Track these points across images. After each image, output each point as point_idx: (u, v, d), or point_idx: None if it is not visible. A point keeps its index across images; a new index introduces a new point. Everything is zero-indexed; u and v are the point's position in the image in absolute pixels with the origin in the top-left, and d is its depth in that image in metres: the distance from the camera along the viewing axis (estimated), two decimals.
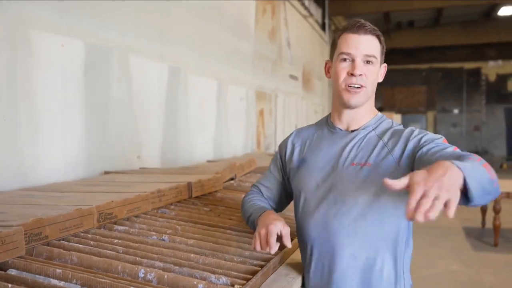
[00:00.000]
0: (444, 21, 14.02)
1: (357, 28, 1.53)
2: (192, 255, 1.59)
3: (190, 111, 4.31)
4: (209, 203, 2.46)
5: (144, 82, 3.61)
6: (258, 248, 1.45)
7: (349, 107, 1.57)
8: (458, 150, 1.40)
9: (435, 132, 1.62)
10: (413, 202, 1.02)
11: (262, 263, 1.56)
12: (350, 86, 1.53)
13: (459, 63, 17.55)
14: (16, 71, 2.46)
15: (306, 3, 9.42)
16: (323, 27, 11.12)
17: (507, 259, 5.55)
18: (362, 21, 1.55)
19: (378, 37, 1.56)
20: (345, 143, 1.58)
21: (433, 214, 1.00)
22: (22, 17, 2.49)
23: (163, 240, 1.79)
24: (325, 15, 11.16)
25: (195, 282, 1.33)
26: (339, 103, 1.60)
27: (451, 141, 1.49)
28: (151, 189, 2.18)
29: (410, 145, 1.48)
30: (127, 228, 1.87)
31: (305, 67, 9.35)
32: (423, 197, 1.02)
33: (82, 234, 1.72)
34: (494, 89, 17.92)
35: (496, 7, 12.47)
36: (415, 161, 1.43)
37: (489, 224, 6.66)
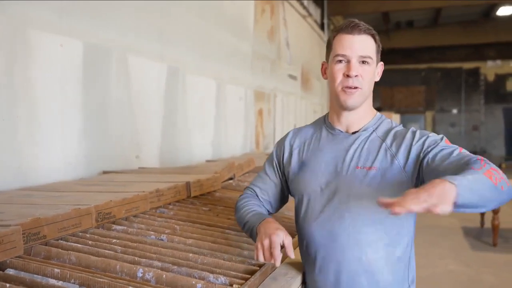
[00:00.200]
0: (443, 21, 14.04)
1: (351, 28, 1.51)
2: (191, 254, 1.59)
3: (189, 111, 4.30)
4: (207, 203, 2.46)
5: (143, 82, 3.60)
6: (261, 259, 1.42)
7: (346, 108, 1.56)
8: (463, 151, 1.40)
9: (434, 132, 1.60)
10: (401, 199, 1.09)
11: (261, 263, 1.55)
12: (347, 87, 1.52)
13: (458, 63, 17.56)
14: (15, 71, 2.45)
15: (305, 3, 9.42)
16: (322, 27, 11.13)
17: (506, 259, 5.56)
18: (356, 21, 1.54)
19: (373, 36, 1.54)
20: (348, 145, 1.57)
21: (416, 207, 1.06)
22: (21, 17, 2.49)
23: (162, 239, 1.78)
24: (324, 15, 11.17)
25: (193, 282, 1.33)
26: (337, 105, 1.58)
27: (450, 141, 1.49)
28: (149, 189, 2.18)
29: (414, 151, 1.47)
30: (125, 227, 1.87)
31: (304, 67, 9.36)
32: (413, 198, 1.09)
33: (80, 233, 1.71)
34: (493, 89, 17.93)
35: (495, 7, 12.48)
36: (423, 170, 1.43)
37: (488, 224, 6.66)
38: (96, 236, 1.72)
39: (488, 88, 17.98)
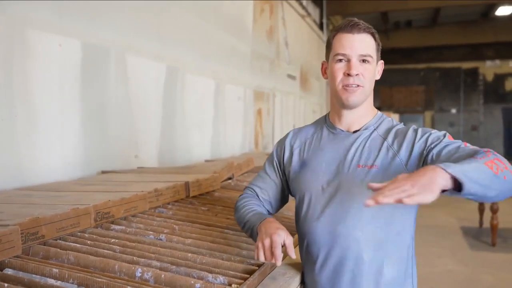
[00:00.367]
0: (442, 21, 14.05)
1: (350, 27, 1.51)
2: (190, 254, 1.59)
3: (188, 110, 4.30)
4: (206, 203, 2.46)
5: (142, 82, 3.60)
6: (262, 259, 1.41)
7: (347, 106, 1.55)
8: (468, 145, 1.40)
9: None
10: (383, 188, 1.13)
11: (260, 262, 1.55)
12: (347, 86, 1.52)
13: (456, 63, 17.57)
14: (13, 70, 2.45)
15: (304, 2, 9.42)
16: (321, 26, 11.13)
17: (505, 259, 5.56)
18: (356, 19, 1.54)
19: (372, 34, 1.54)
20: (349, 144, 1.56)
21: (387, 200, 1.10)
22: (20, 16, 2.49)
23: (160, 239, 1.78)
24: (323, 15, 11.17)
25: (192, 282, 1.33)
26: (338, 104, 1.58)
27: None
28: (148, 189, 2.18)
29: (417, 148, 1.47)
30: (124, 227, 1.86)
31: (303, 66, 9.36)
32: (394, 187, 1.12)
33: (79, 233, 1.71)
34: (492, 89, 17.94)
35: (494, 7, 12.49)
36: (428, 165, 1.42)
37: (486, 224, 6.67)
38: (94, 236, 1.72)
39: (487, 88, 18.00)
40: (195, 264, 1.50)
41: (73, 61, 2.87)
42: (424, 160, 1.44)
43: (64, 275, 1.30)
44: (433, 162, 1.40)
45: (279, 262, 1.39)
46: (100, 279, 1.27)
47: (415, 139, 1.49)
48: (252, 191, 1.75)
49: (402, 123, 1.63)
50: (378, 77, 1.61)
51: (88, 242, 1.64)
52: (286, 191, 1.74)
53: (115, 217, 1.91)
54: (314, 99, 10.59)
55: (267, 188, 1.73)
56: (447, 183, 1.13)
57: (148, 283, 1.34)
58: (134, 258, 1.50)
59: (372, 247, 1.48)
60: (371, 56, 1.52)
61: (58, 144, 2.76)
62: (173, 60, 4.05)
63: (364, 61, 1.52)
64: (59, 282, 1.28)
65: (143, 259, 1.49)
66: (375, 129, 1.58)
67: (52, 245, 1.56)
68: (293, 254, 1.42)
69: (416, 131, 1.52)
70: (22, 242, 1.43)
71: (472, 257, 5.63)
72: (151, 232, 1.83)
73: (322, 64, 1.65)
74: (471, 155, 1.30)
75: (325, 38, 11.03)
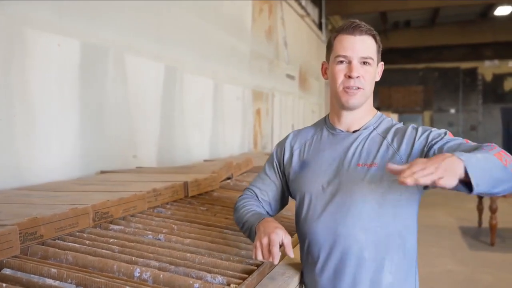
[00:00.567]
0: (441, 21, 14.06)
1: (352, 29, 1.51)
2: (188, 254, 1.59)
3: (186, 110, 4.30)
4: (205, 203, 2.46)
5: (140, 82, 3.60)
6: (259, 257, 1.41)
7: (347, 108, 1.56)
8: (469, 142, 1.40)
9: None
10: (408, 170, 1.11)
11: (259, 262, 1.55)
12: (348, 88, 1.52)
13: (455, 63, 17.58)
14: (12, 70, 2.45)
15: (303, 2, 9.42)
16: (320, 26, 11.13)
17: (504, 258, 5.56)
18: (357, 21, 1.54)
19: (373, 36, 1.55)
20: (349, 144, 1.57)
21: (424, 180, 1.08)
22: (19, 16, 2.48)
23: (159, 239, 1.78)
24: (322, 15, 11.17)
25: (191, 282, 1.33)
26: (338, 105, 1.58)
27: None
28: (147, 189, 2.18)
29: (417, 146, 1.47)
30: (122, 227, 1.86)
31: (302, 66, 9.35)
32: (420, 170, 1.10)
33: (77, 233, 1.71)
34: (491, 88, 17.95)
35: (493, 7, 12.50)
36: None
37: (485, 224, 6.67)
38: (93, 236, 1.71)
39: (486, 88, 18.01)
40: (193, 264, 1.50)
41: (72, 61, 2.87)
42: (425, 157, 1.44)
43: (63, 275, 1.29)
44: None
45: (276, 261, 1.38)
46: (98, 279, 1.27)
47: (415, 137, 1.49)
48: (252, 192, 1.75)
49: (402, 122, 1.64)
50: (378, 78, 1.61)
51: (87, 242, 1.64)
52: (286, 192, 1.74)
53: (114, 217, 1.91)
54: (313, 99, 10.59)
55: (266, 189, 1.73)
56: (462, 172, 1.13)
57: (147, 283, 1.34)
58: (133, 258, 1.49)
59: (373, 246, 1.48)
60: (372, 58, 1.52)
61: (57, 144, 2.76)
62: (172, 60, 4.05)
63: (365, 63, 1.52)
64: (57, 282, 1.28)
65: (141, 259, 1.49)
66: (374, 129, 1.58)
67: (51, 245, 1.56)
68: (292, 253, 1.42)
69: (416, 129, 1.53)
70: (20, 242, 1.43)
71: (471, 257, 5.63)
72: (149, 232, 1.83)
73: (322, 65, 1.65)
74: (476, 148, 1.31)
75: (324, 38, 11.04)
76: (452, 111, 18.28)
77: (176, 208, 2.29)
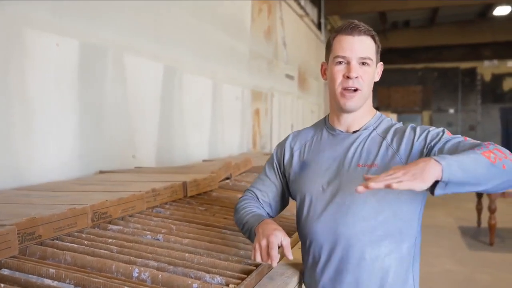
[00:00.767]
0: (440, 21, 14.06)
1: (351, 30, 1.51)
2: (187, 254, 1.58)
3: (185, 110, 4.30)
4: (204, 203, 2.46)
5: (140, 82, 3.60)
6: (258, 259, 1.41)
7: (346, 111, 1.56)
8: (468, 140, 1.42)
9: None
10: (377, 177, 1.17)
11: (258, 263, 1.55)
12: (346, 90, 1.52)
13: (454, 63, 17.59)
14: (10, 70, 2.44)
15: (302, 2, 9.42)
16: (319, 26, 11.13)
17: (503, 258, 5.57)
18: (356, 22, 1.54)
19: (372, 37, 1.55)
20: (349, 144, 1.57)
21: (374, 185, 1.14)
22: (17, 16, 2.48)
23: (158, 239, 1.78)
24: (321, 15, 11.16)
25: (189, 282, 1.33)
26: (337, 107, 1.59)
27: None
28: (146, 189, 2.17)
29: (416, 146, 1.48)
30: (121, 227, 1.86)
31: (301, 66, 9.35)
32: (386, 175, 1.17)
33: (76, 233, 1.71)
34: (490, 89, 17.97)
35: (492, 7, 12.50)
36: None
37: (484, 224, 6.67)
38: (92, 236, 1.71)
39: (485, 88, 18.03)
40: (192, 264, 1.50)
41: (71, 61, 2.86)
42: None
43: (61, 276, 1.29)
44: None
45: (274, 263, 1.38)
46: (97, 280, 1.26)
47: (414, 137, 1.50)
48: (252, 193, 1.75)
49: (401, 122, 1.64)
50: (377, 79, 1.61)
51: (85, 242, 1.63)
52: (286, 193, 1.74)
53: (113, 217, 1.90)
54: (312, 99, 10.59)
55: (267, 191, 1.73)
56: (439, 174, 1.17)
57: (145, 283, 1.34)
58: (131, 258, 1.49)
59: (374, 246, 1.48)
60: (370, 59, 1.53)
61: (55, 144, 2.76)
62: (171, 60, 4.04)
63: (363, 63, 1.52)
64: (55, 282, 1.28)
65: (140, 259, 1.49)
66: (374, 129, 1.58)
67: (49, 245, 1.56)
68: (290, 255, 1.42)
69: (414, 129, 1.53)
70: (19, 242, 1.43)
71: (470, 257, 5.63)
72: (148, 232, 1.83)
73: (322, 65, 1.65)
74: (473, 147, 1.32)
75: (323, 38, 11.04)
76: (451, 111, 18.30)
77: (175, 208, 2.29)
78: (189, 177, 2.61)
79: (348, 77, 1.51)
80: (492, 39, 14.28)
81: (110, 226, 1.85)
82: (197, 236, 1.84)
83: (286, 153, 1.70)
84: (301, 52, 9.36)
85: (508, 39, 14.12)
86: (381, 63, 1.62)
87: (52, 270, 1.31)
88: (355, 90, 1.52)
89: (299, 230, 1.65)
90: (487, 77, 18.02)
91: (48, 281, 1.28)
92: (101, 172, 3.06)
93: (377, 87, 17.08)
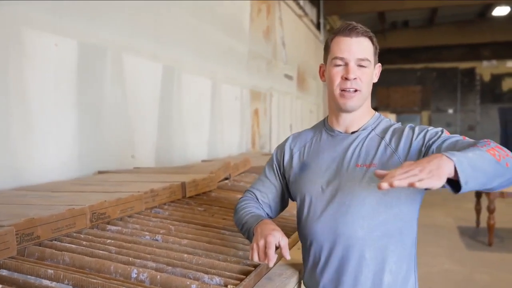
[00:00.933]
0: (439, 21, 14.07)
1: (349, 31, 1.52)
2: (186, 255, 1.58)
3: (184, 110, 4.30)
4: (203, 203, 2.45)
5: (138, 82, 3.60)
6: (256, 259, 1.41)
7: (345, 111, 1.57)
8: (466, 139, 1.42)
9: None
10: (392, 173, 1.15)
11: (255, 263, 1.55)
12: (345, 91, 1.52)
13: (453, 63, 17.61)
14: (9, 70, 2.44)
15: (301, 2, 9.42)
16: (318, 26, 11.13)
17: (501, 258, 5.57)
18: (354, 23, 1.54)
19: (370, 38, 1.55)
20: (347, 144, 1.58)
21: (398, 183, 1.11)
22: (16, 16, 2.48)
23: (156, 240, 1.78)
24: (320, 15, 11.16)
25: (188, 283, 1.32)
26: (336, 108, 1.59)
27: None
28: (144, 189, 2.17)
29: (415, 145, 1.48)
30: (120, 228, 1.86)
31: (300, 66, 9.36)
32: (403, 173, 1.14)
33: (74, 234, 1.71)
34: (489, 89, 17.99)
35: (491, 7, 12.52)
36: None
37: (483, 224, 6.68)
38: (90, 237, 1.71)
39: (484, 88, 18.04)
40: (191, 265, 1.50)
41: (70, 61, 2.86)
42: (423, 157, 1.44)
43: (59, 276, 1.29)
44: None
45: (271, 263, 1.39)
46: (95, 280, 1.26)
47: (412, 137, 1.50)
48: (252, 194, 1.76)
49: (400, 122, 1.64)
50: (375, 80, 1.62)
51: (84, 243, 1.63)
52: (285, 195, 1.75)
53: (111, 218, 1.90)
54: (311, 99, 10.59)
55: (266, 192, 1.74)
56: (452, 171, 1.15)
57: (144, 284, 1.34)
58: (130, 259, 1.49)
59: (374, 246, 1.49)
60: (368, 60, 1.53)
61: (54, 144, 2.75)
62: (170, 60, 4.04)
63: (362, 65, 1.52)
64: (54, 283, 1.28)
65: (139, 260, 1.48)
66: (373, 129, 1.59)
67: (48, 246, 1.56)
68: (288, 255, 1.42)
69: (413, 129, 1.54)
70: (17, 243, 1.43)
71: (469, 257, 5.63)
72: (147, 233, 1.82)
73: (320, 67, 1.65)
74: (472, 145, 1.32)
75: (322, 38, 11.03)
76: (450, 111, 18.31)
77: (173, 208, 2.29)
78: (188, 177, 2.61)
79: (346, 79, 1.51)
80: (491, 39, 14.30)
81: (109, 227, 1.85)
82: (195, 237, 1.84)
83: (285, 154, 1.71)
84: (300, 52, 9.36)
85: (507, 39, 14.14)
86: (379, 64, 1.63)
87: (50, 271, 1.31)
88: (355, 90, 1.52)
89: (300, 231, 1.66)
90: (486, 77, 18.04)
91: (46, 282, 1.28)
92: (100, 172, 3.06)
93: (376, 87, 17.06)
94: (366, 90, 1.55)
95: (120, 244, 1.65)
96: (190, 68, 4.42)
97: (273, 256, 1.38)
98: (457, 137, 1.44)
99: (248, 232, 1.59)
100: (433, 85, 18.45)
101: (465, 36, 14.27)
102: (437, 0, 10.95)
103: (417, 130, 1.52)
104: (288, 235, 1.93)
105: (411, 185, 1.11)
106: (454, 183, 1.19)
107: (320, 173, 1.58)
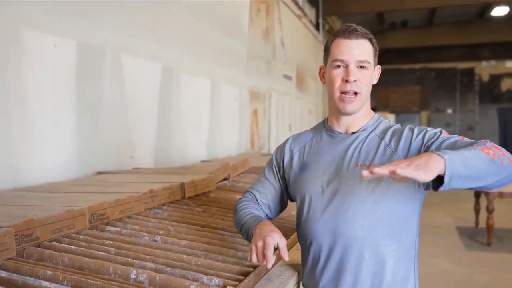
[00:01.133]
0: (438, 21, 14.08)
1: (348, 33, 1.52)
2: (185, 256, 1.58)
3: (183, 111, 4.29)
4: (202, 204, 2.45)
5: (137, 82, 3.59)
6: (254, 260, 1.42)
7: (345, 114, 1.58)
8: (465, 139, 1.43)
9: None
10: (380, 167, 1.17)
11: (254, 264, 1.55)
12: (345, 93, 1.53)
13: (452, 63, 17.61)
14: (8, 71, 2.44)
15: (300, 3, 9.42)
16: (317, 27, 11.13)
17: (500, 258, 5.57)
18: (354, 25, 1.55)
19: (370, 40, 1.56)
20: (347, 145, 1.58)
21: (381, 171, 1.15)
22: (15, 16, 2.48)
23: (156, 241, 1.78)
24: (319, 15, 11.16)
25: (187, 283, 1.32)
26: (335, 110, 1.60)
27: None
28: (143, 190, 2.17)
29: (414, 146, 1.49)
30: (119, 229, 1.86)
31: (299, 67, 9.36)
32: (390, 165, 1.17)
33: (73, 235, 1.70)
34: (487, 89, 17.98)
35: (490, 7, 12.52)
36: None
37: (482, 224, 6.68)
38: (89, 238, 1.71)
39: (483, 88, 18.04)
40: (190, 266, 1.50)
41: (68, 61, 2.86)
42: None
43: (58, 277, 1.29)
44: None
45: (269, 265, 1.39)
46: (94, 281, 1.26)
47: (412, 137, 1.51)
48: (252, 195, 1.76)
49: (399, 123, 1.65)
50: (375, 81, 1.62)
51: (83, 243, 1.63)
52: (285, 196, 1.75)
53: (110, 219, 1.90)
54: (310, 99, 10.59)
55: (266, 193, 1.74)
56: (442, 169, 1.17)
57: (143, 285, 1.34)
58: (129, 260, 1.49)
59: (373, 245, 1.49)
60: (368, 62, 1.54)
61: (53, 144, 2.75)
62: (169, 60, 4.04)
63: (362, 67, 1.53)
64: (53, 284, 1.28)
65: (138, 261, 1.48)
66: (372, 130, 1.60)
67: (47, 247, 1.56)
68: (286, 256, 1.43)
69: (412, 130, 1.55)
70: (16, 244, 1.43)
71: (468, 257, 5.64)
72: (146, 234, 1.82)
73: (320, 69, 1.66)
74: (470, 145, 1.34)
75: (321, 38, 11.04)
76: (449, 111, 18.31)
77: (172, 209, 2.29)
78: (187, 178, 2.61)
79: (346, 81, 1.52)
80: (490, 40, 14.31)
81: (108, 228, 1.85)
82: (195, 238, 1.84)
83: (285, 155, 1.71)
84: (299, 52, 9.36)
85: (506, 40, 14.15)
86: (379, 66, 1.64)
87: (49, 272, 1.31)
88: (355, 93, 1.53)
89: (300, 232, 1.66)
90: (485, 78, 18.04)
91: (45, 283, 1.28)
92: (99, 173, 3.06)
93: (375, 87, 17.02)
94: (365, 92, 1.56)
95: (119, 245, 1.65)
96: (189, 69, 4.42)
97: (271, 258, 1.38)
98: (456, 138, 1.45)
99: (247, 233, 1.59)
100: (432, 85, 18.45)
101: (464, 36, 14.28)
102: (437, 0, 10.95)
103: (416, 131, 1.53)
104: (287, 236, 1.93)
105: (392, 172, 1.14)
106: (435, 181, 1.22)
107: (320, 173, 1.58)
